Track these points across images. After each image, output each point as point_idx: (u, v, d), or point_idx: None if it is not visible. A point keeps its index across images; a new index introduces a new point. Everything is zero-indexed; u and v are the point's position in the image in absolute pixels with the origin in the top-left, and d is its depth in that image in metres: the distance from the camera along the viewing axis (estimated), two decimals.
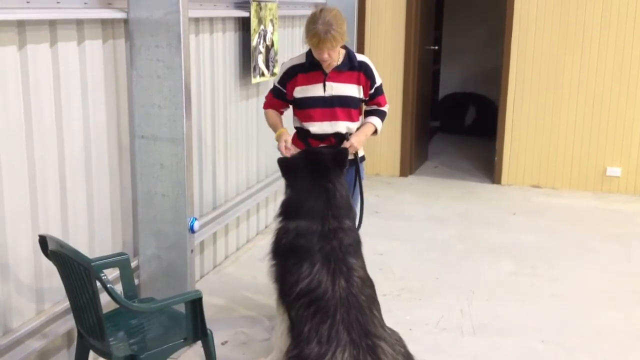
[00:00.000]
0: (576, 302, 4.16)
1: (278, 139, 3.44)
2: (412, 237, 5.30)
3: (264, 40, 4.80)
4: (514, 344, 3.62)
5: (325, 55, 3.28)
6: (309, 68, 3.40)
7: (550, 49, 6.47)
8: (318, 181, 3.06)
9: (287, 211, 3.12)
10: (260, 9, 4.68)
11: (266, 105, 3.64)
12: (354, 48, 6.41)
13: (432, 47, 7.73)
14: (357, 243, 3.09)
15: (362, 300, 2.84)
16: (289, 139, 3.42)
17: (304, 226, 2.98)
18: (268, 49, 4.88)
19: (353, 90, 3.42)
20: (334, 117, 3.40)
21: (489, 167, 7.20)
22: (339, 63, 3.39)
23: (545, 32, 6.46)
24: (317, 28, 3.21)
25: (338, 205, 3.03)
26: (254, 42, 4.64)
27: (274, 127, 3.55)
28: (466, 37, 9.51)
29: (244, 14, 4.53)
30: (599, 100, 6.43)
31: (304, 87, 3.41)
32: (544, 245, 5.13)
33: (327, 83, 3.39)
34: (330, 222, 2.98)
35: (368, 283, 2.98)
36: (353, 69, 3.41)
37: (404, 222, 5.67)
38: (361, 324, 2.74)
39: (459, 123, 9.34)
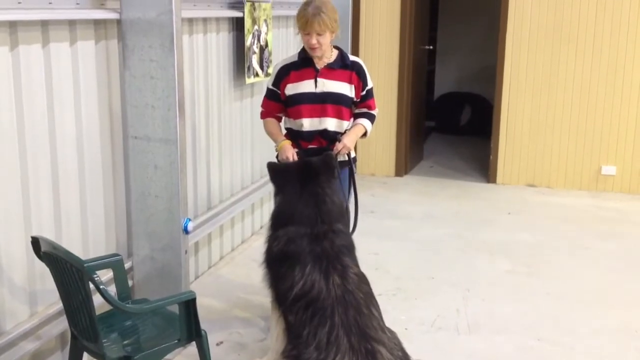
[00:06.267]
0: (571, 300, 4.16)
1: (280, 151, 3.34)
2: (408, 236, 5.30)
3: (258, 40, 4.80)
4: (510, 343, 3.62)
5: (314, 41, 3.24)
6: (301, 65, 3.39)
7: (545, 48, 6.48)
8: (307, 187, 3.05)
9: (277, 220, 3.11)
10: (254, 9, 4.67)
11: (263, 115, 3.56)
12: (348, 48, 6.41)
13: (427, 47, 7.74)
14: (350, 245, 3.08)
15: (360, 297, 2.82)
16: (294, 154, 3.30)
17: (293, 231, 2.98)
18: (262, 49, 4.87)
19: (344, 88, 3.40)
20: (323, 114, 3.38)
21: (484, 167, 7.20)
22: (331, 61, 3.39)
23: (540, 32, 6.47)
24: (306, 10, 3.23)
25: (327, 210, 3.02)
26: (247, 43, 4.64)
27: (274, 137, 3.46)
28: (461, 37, 9.51)
29: (238, 14, 4.53)
30: (593, 99, 6.44)
31: (296, 83, 3.39)
32: (539, 244, 5.13)
33: (318, 79, 3.37)
34: (319, 225, 2.97)
35: (364, 280, 2.98)
36: (345, 67, 3.40)
37: (399, 221, 5.66)
38: (360, 326, 2.72)
39: (455, 123, 9.34)
